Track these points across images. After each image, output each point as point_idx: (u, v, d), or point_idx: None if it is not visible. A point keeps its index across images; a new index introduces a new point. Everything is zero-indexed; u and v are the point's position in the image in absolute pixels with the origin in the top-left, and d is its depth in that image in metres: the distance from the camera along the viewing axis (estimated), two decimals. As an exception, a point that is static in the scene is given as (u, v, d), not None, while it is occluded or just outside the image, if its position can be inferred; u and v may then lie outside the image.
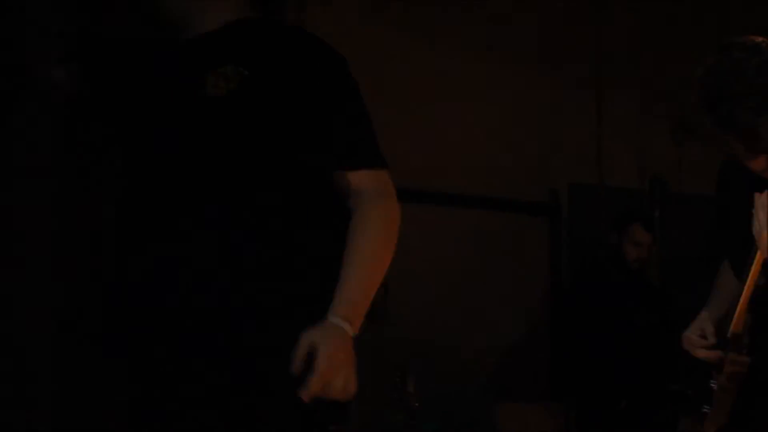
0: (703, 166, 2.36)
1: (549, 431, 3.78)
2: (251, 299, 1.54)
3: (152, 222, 1.63)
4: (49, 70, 1.88)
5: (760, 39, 1.72)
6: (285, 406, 1.50)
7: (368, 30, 3.56)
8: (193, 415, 1.52)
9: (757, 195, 1.80)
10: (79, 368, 2.40)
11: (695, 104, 1.76)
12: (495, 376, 3.67)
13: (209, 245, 1.56)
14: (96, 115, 1.90)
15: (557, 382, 3.78)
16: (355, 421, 2.14)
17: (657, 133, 4.09)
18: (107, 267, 1.71)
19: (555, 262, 3.68)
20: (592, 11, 3.97)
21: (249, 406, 1.51)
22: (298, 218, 1.62)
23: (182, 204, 1.62)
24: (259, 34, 1.69)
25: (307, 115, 1.61)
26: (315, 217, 1.65)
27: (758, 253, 1.83)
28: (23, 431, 2.35)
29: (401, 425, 3.21)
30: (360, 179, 1.64)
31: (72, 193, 2.62)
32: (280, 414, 1.52)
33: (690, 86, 1.73)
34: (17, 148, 2.43)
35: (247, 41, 1.67)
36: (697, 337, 2.01)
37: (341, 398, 1.51)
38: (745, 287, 1.89)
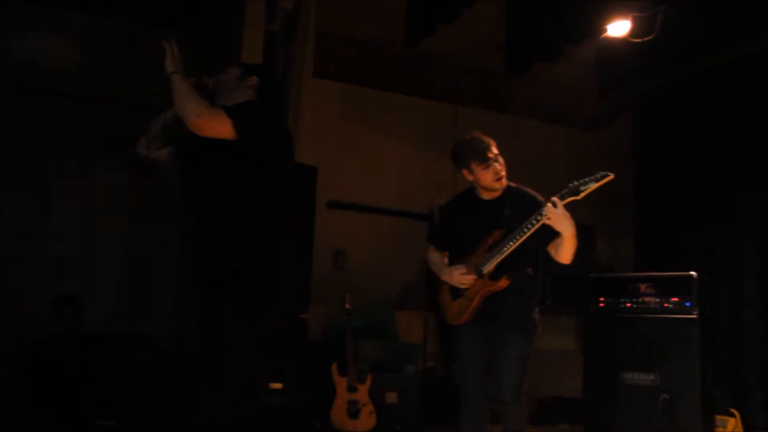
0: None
1: (421, 331, 6.58)
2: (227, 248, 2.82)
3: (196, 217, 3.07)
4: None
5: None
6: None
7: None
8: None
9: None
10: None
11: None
12: (394, 296, 6.95)
13: (218, 228, 2.89)
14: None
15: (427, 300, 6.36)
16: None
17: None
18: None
19: None
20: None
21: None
22: (254, 199, 2.89)
23: (205, 199, 3.00)
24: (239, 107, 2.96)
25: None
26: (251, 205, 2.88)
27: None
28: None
29: (343, 320, 5.36)
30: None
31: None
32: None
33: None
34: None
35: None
36: (458, 272, 3.60)
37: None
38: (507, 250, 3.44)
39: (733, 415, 5.40)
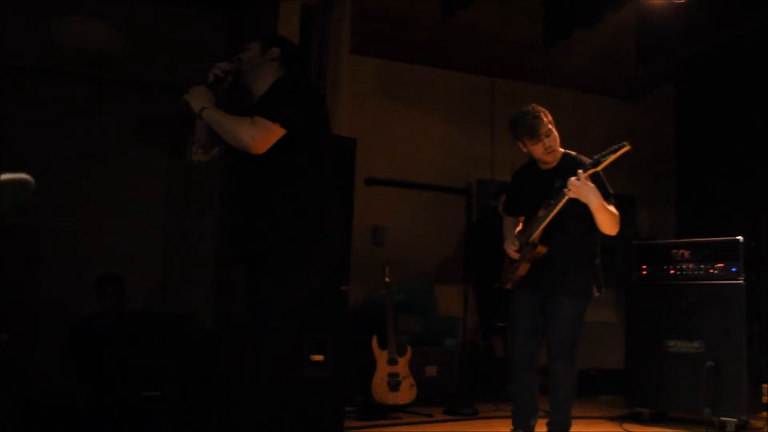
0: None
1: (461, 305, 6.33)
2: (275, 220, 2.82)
3: (234, 193, 3.06)
4: None
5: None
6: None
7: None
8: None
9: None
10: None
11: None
12: (433, 271, 6.95)
13: (256, 202, 2.91)
14: None
15: (466, 274, 6.36)
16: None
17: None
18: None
19: (468, 215, 6.65)
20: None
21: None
22: (291, 174, 2.89)
23: (242, 176, 2.98)
24: (274, 86, 2.98)
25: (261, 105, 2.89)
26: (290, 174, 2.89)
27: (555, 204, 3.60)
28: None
29: (383, 295, 5.32)
30: (256, 118, 2.83)
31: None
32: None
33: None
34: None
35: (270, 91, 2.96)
36: (510, 244, 3.85)
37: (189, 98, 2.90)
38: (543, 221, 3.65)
39: (780, 385, 5.31)
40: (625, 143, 3.51)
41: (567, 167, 3.75)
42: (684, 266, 4.92)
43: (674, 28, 6.02)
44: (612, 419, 5.10)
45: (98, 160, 5.79)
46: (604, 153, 3.58)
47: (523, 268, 3.82)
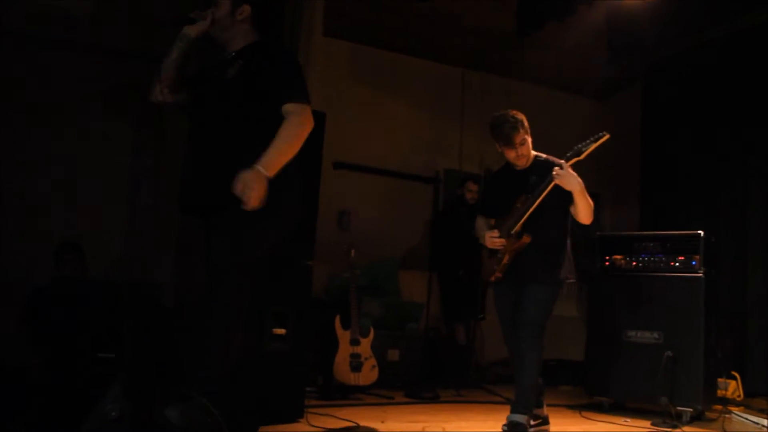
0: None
1: (424, 291, 6.42)
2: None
3: (197, 145, 2.92)
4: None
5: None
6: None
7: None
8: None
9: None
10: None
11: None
12: (398, 257, 6.93)
13: (226, 156, 2.82)
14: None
15: (431, 262, 6.59)
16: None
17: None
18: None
19: (435, 204, 6.70)
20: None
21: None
22: (265, 130, 2.79)
23: (213, 128, 2.88)
24: (253, 48, 3.00)
25: (270, 79, 2.84)
26: (270, 128, 2.79)
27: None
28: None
29: (348, 277, 5.33)
30: (289, 107, 2.85)
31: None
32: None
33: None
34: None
35: (248, 51, 2.98)
36: (490, 235, 3.94)
37: (252, 204, 2.68)
38: (527, 211, 3.80)
39: (734, 378, 5.40)
40: (604, 133, 3.77)
41: (540, 167, 3.95)
42: (646, 258, 4.98)
43: (644, 30, 6.12)
44: (571, 407, 5.14)
45: (59, 127, 5.59)
46: (585, 143, 3.80)
47: (507, 259, 3.94)
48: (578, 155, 3.79)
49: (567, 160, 3.79)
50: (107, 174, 5.75)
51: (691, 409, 4.58)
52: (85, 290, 4.55)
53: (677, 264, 4.84)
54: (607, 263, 5.16)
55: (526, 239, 3.87)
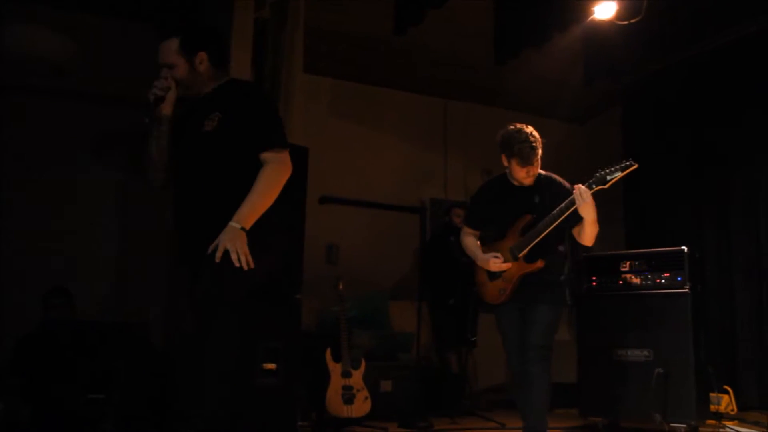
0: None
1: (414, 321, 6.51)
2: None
3: (184, 195, 2.92)
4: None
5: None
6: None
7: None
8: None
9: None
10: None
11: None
12: (387, 288, 6.94)
13: (210, 204, 2.83)
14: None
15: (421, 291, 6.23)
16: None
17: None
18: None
19: (422, 234, 6.70)
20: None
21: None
22: (247, 181, 2.80)
23: (196, 183, 2.89)
24: (226, 91, 2.95)
25: (246, 128, 2.84)
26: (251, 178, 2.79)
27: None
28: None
29: (336, 312, 5.30)
30: (265, 156, 2.84)
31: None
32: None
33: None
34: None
35: (221, 96, 2.93)
36: (494, 259, 3.85)
37: (238, 262, 2.68)
38: (540, 235, 3.72)
39: (726, 392, 5.41)
40: (633, 162, 3.63)
41: (544, 187, 3.88)
42: (632, 277, 5.01)
43: (620, 52, 6.22)
44: (566, 430, 5.11)
45: (51, 176, 5.68)
46: (610, 170, 3.67)
47: (515, 283, 3.86)
48: (603, 184, 3.67)
49: (590, 188, 3.67)
50: (95, 216, 5.80)
51: (684, 425, 4.58)
52: (73, 332, 4.52)
53: (663, 281, 4.87)
54: (594, 283, 5.19)
55: (540, 264, 3.81)
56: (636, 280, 4.98)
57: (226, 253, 2.74)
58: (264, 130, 2.91)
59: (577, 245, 4.03)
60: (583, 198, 3.62)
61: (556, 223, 3.73)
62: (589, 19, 5.41)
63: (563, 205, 3.71)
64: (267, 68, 5.75)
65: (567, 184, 3.91)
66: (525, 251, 3.81)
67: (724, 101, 6.39)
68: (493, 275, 3.92)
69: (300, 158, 4.65)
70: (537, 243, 3.79)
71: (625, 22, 5.42)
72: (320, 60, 6.61)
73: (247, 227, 2.77)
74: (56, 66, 5.59)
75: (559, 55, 6.19)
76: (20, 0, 5.55)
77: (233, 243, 2.73)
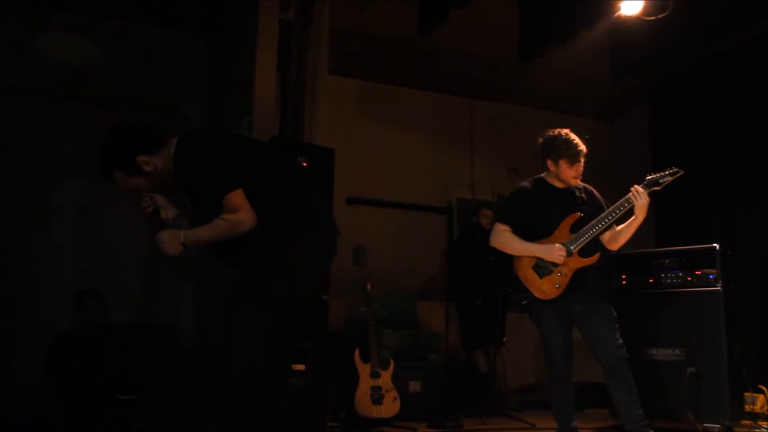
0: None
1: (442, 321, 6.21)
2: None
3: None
4: None
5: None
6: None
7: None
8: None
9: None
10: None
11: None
12: (415, 288, 6.93)
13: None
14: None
15: (449, 291, 6.28)
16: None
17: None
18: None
19: (449, 234, 6.70)
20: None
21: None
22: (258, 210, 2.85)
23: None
24: (176, 165, 2.92)
25: (199, 192, 2.93)
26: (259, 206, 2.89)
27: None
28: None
29: (364, 313, 5.30)
30: (223, 202, 2.83)
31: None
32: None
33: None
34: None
35: (176, 171, 2.93)
36: (558, 250, 3.85)
37: (169, 253, 2.86)
38: (596, 230, 3.85)
39: (762, 392, 5.32)
40: (680, 170, 3.92)
41: (579, 187, 4.07)
42: (663, 275, 4.95)
43: (646, 48, 6.16)
44: (597, 430, 5.07)
45: (77, 180, 5.71)
46: (662, 175, 3.93)
47: (570, 277, 3.90)
48: (657, 185, 3.92)
49: (645, 188, 3.88)
50: (125, 219, 5.84)
51: (718, 425, 4.51)
52: (105, 333, 4.58)
53: (694, 279, 4.80)
54: (624, 282, 5.13)
55: (597, 257, 3.90)
56: (667, 279, 4.92)
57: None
58: (206, 184, 2.88)
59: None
60: (641, 197, 3.82)
61: (617, 217, 3.87)
62: (615, 15, 5.35)
63: (619, 203, 3.87)
64: (292, 70, 5.75)
65: (593, 189, 4.13)
66: (580, 245, 3.89)
67: (754, 96, 6.30)
68: (544, 271, 3.94)
69: (326, 160, 4.68)
70: (590, 240, 3.90)
71: (652, 18, 5.35)
72: (345, 61, 6.62)
73: (188, 245, 2.87)
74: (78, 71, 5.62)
75: (584, 52, 6.14)
76: (40, 6, 5.64)
77: (168, 243, 2.87)
